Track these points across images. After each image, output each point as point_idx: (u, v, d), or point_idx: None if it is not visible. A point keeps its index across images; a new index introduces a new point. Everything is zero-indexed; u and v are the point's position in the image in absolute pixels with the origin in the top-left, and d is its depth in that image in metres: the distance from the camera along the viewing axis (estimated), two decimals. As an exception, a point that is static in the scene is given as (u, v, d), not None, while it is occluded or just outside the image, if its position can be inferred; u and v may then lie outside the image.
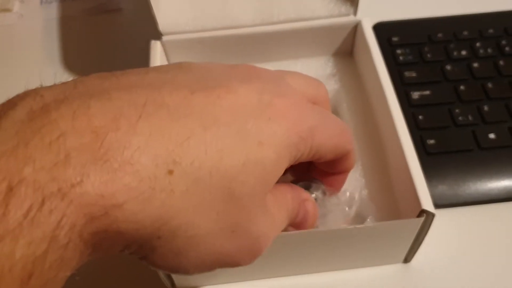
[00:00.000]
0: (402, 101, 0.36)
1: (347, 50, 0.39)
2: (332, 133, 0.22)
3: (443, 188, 0.33)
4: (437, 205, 0.32)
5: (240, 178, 0.17)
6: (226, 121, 0.18)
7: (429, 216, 0.26)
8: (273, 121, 0.19)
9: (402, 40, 0.41)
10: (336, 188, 0.27)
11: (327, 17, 0.36)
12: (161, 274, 0.25)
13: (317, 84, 0.24)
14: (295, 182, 0.26)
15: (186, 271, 0.18)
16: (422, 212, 0.26)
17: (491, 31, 0.41)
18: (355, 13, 0.36)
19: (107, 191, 0.15)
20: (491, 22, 0.42)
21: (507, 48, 0.39)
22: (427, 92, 0.37)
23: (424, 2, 0.46)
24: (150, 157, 0.16)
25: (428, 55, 0.39)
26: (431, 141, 0.34)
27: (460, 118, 0.35)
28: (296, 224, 0.24)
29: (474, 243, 0.31)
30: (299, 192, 0.24)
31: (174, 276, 0.26)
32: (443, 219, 0.32)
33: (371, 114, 0.35)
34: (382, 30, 0.42)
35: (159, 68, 0.20)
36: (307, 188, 0.25)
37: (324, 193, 0.26)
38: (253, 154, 0.18)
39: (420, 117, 0.35)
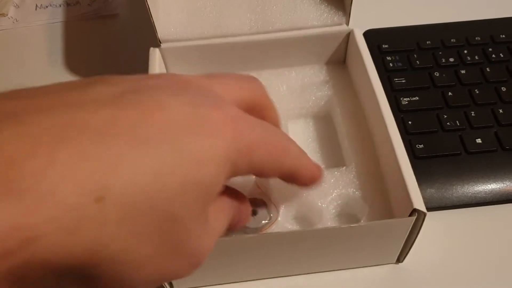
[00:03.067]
0: (391, 106, 0.37)
1: (340, 58, 0.40)
2: (273, 151, 0.21)
3: (432, 192, 0.33)
4: (426, 208, 0.33)
5: (179, 199, 0.16)
6: (159, 139, 0.16)
7: (421, 215, 0.27)
8: (210, 137, 0.18)
9: (391, 47, 0.42)
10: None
11: (320, 26, 0.37)
12: None
13: (249, 84, 0.23)
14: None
15: None
16: (414, 211, 0.27)
17: (477, 38, 0.42)
18: (347, 22, 0.37)
19: (23, 224, 0.13)
20: (478, 30, 0.43)
21: (493, 55, 0.41)
22: (416, 98, 0.38)
23: (413, 11, 0.48)
24: (73, 186, 0.14)
25: (417, 62, 0.40)
26: (420, 146, 0.35)
27: (448, 123, 0.36)
28: (230, 226, 0.24)
29: (462, 244, 0.32)
30: (236, 196, 0.23)
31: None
32: (432, 221, 0.33)
33: (364, 119, 0.36)
34: (372, 37, 0.43)
35: (81, 84, 0.18)
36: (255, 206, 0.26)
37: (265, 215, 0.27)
38: (191, 174, 0.17)
39: (409, 122, 0.36)
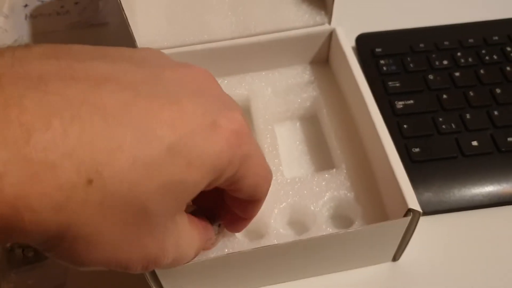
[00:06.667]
0: (386, 110, 0.37)
1: (323, 58, 0.40)
2: (259, 171, 0.22)
3: (429, 195, 0.33)
4: (423, 212, 0.33)
5: (157, 197, 0.17)
6: (162, 135, 0.17)
7: (416, 215, 0.27)
8: (209, 141, 0.18)
9: (385, 51, 0.41)
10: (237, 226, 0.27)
11: (302, 27, 0.37)
12: (149, 278, 0.25)
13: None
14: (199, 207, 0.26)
15: (81, 267, 0.18)
16: (409, 211, 0.26)
17: (471, 41, 0.42)
18: (329, 22, 0.37)
19: (21, 194, 0.14)
20: (471, 32, 0.43)
21: (487, 57, 0.41)
22: (411, 101, 0.38)
23: (406, 14, 0.47)
24: (74, 164, 0.15)
25: (411, 65, 0.40)
26: (416, 149, 0.35)
27: (443, 126, 0.36)
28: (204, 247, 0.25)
29: (460, 247, 0.32)
30: (209, 230, 0.24)
31: (162, 280, 0.26)
32: (430, 225, 0.33)
33: (351, 118, 0.36)
34: (366, 41, 0.43)
35: (113, 53, 0.19)
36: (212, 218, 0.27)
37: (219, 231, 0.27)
38: (178, 175, 0.17)
39: (405, 126, 0.36)
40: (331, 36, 0.38)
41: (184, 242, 0.21)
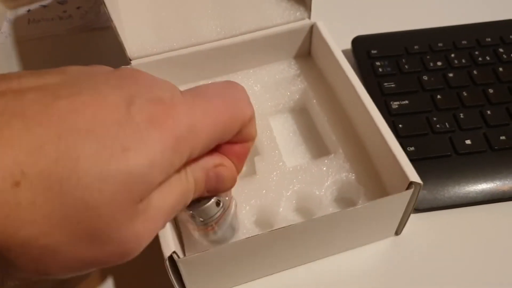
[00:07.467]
0: (382, 110, 0.37)
1: (305, 51, 0.41)
2: (219, 118, 0.21)
3: (424, 193, 0.34)
4: (418, 209, 0.34)
5: (96, 187, 0.17)
6: (87, 128, 0.17)
7: (417, 187, 0.28)
8: (144, 128, 0.18)
9: (380, 52, 0.42)
10: (240, 159, 0.25)
11: (284, 23, 0.39)
12: (174, 281, 0.26)
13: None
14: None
15: (53, 276, 0.18)
16: (411, 184, 0.28)
17: (464, 42, 0.43)
18: (309, 16, 0.39)
19: None
20: (464, 34, 0.44)
21: (480, 58, 0.41)
22: (406, 102, 0.39)
23: (401, 17, 0.48)
24: None
25: (406, 66, 0.41)
26: (411, 148, 0.36)
27: (437, 125, 0.37)
28: (211, 189, 0.24)
29: (454, 244, 0.32)
30: (207, 161, 0.23)
31: (186, 283, 0.27)
32: (424, 222, 0.33)
33: (340, 105, 0.37)
34: (361, 43, 0.43)
35: (42, 72, 0.19)
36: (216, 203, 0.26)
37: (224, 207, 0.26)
38: (115, 161, 0.17)
39: (400, 125, 0.37)
40: (311, 30, 0.39)
41: (160, 216, 0.20)
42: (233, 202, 0.27)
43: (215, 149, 0.24)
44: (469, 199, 0.34)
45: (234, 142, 0.24)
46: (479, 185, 0.34)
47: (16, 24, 0.50)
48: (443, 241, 0.33)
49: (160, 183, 0.19)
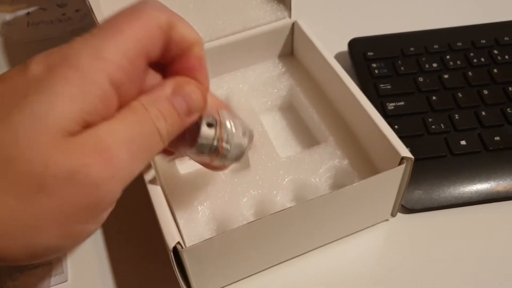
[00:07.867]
0: (378, 112, 0.38)
1: (288, 50, 0.42)
2: (127, 32, 0.22)
3: (419, 193, 0.34)
4: (414, 210, 0.34)
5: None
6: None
7: (409, 162, 0.29)
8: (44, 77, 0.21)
9: (376, 54, 0.43)
10: (196, 70, 0.24)
11: (266, 23, 0.39)
12: (180, 279, 0.26)
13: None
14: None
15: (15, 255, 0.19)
16: (403, 159, 0.28)
17: (459, 44, 0.43)
18: (290, 15, 0.40)
19: None
20: (460, 36, 0.44)
21: (475, 60, 0.42)
22: (402, 103, 0.39)
23: (397, 19, 0.49)
24: None
25: (402, 68, 0.42)
26: (407, 149, 0.36)
27: (433, 126, 0.37)
28: (189, 113, 0.23)
29: (450, 244, 0.33)
30: (162, 89, 0.23)
31: (192, 280, 0.28)
32: (420, 222, 0.34)
33: (326, 97, 0.38)
34: (358, 45, 0.44)
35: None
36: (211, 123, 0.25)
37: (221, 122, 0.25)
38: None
39: (396, 126, 0.37)
40: (293, 28, 0.40)
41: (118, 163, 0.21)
42: (226, 114, 0.26)
43: (167, 76, 0.24)
44: (464, 199, 0.34)
45: (178, 56, 0.24)
46: (474, 186, 0.35)
47: (15, 26, 0.51)
48: (439, 242, 0.33)
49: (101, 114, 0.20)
